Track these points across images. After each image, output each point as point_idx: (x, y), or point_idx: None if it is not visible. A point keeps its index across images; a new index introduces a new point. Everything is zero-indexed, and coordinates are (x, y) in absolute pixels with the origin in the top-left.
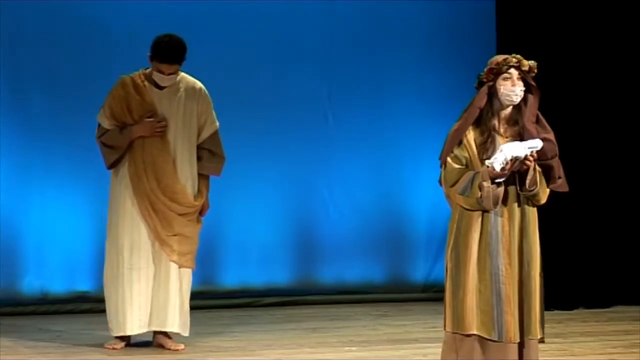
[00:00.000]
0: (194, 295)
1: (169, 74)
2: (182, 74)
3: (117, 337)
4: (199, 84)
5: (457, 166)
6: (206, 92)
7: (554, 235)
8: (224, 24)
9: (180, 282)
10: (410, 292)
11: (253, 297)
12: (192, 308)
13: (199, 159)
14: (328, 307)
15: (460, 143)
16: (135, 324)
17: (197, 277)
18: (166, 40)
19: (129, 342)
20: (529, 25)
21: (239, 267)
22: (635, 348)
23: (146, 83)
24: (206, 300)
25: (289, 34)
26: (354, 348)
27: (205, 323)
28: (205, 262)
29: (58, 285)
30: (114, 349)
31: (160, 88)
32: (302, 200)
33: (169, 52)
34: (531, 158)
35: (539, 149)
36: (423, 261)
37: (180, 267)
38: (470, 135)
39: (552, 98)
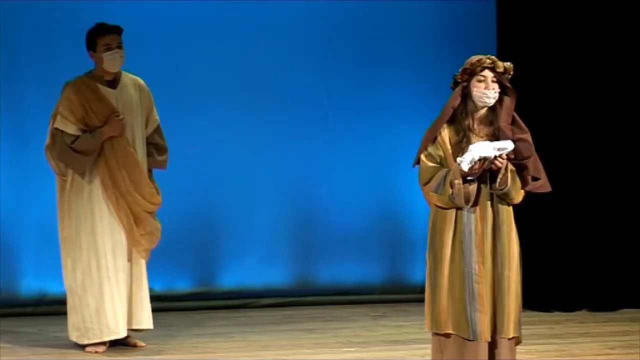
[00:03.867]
0: (192, 296)
1: (117, 47)
2: (123, 72)
3: (97, 344)
4: (141, 80)
5: (430, 164)
6: (148, 87)
7: (558, 236)
8: (223, 24)
9: (146, 279)
10: (408, 293)
11: (250, 298)
12: (189, 309)
13: (148, 154)
14: (326, 308)
15: (434, 141)
16: (125, 325)
17: (195, 278)
18: (97, 23)
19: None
20: (529, 25)
21: (236, 268)
22: (634, 349)
23: (97, 84)
24: (203, 302)
25: (289, 33)
26: (352, 349)
27: (202, 324)
28: (202, 263)
29: (56, 287)
30: (97, 352)
31: (112, 86)
32: (300, 200)
33: (107, 25)
34: (501, 159)
35: (509, 150)
36: (421, 262)
37: (146, 263)
38: (445, 134)
39: (551, 97)
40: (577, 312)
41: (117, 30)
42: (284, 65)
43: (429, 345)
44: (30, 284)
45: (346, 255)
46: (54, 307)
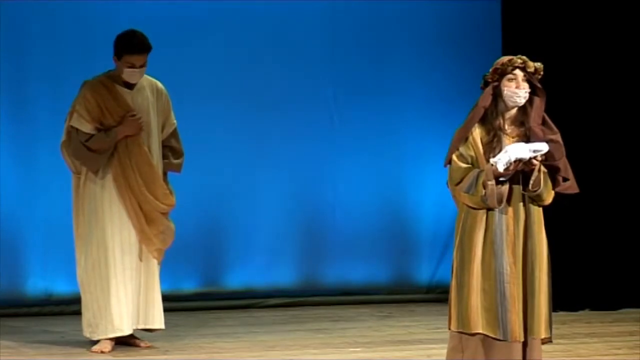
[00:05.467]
0: (198, 297)
1: (140, 67)
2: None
3: (105, 339)
4: (160, 83)
5: (462, 165)
6: (166, 91)
7: (562, 236)
8: (229, 25)
9: (158, 278)
10: (415, 293)
11: (257, 298)
12: (196, 309)
13: (163, 157)
14: (332, 308)
15: (465, 140)
16: (130, 324)
17: (201, 278)
18: (130, 33)
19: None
20: (535, 25)
21: (242, 269)
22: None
23: (115, 84)
24: (210, 302)
25: (295, 35)
26: (358, 349)
27: (209, 324)
28: (209, 264)
29: (62, 286)
30: (102, 352)
31: (129, 87)
32: (306, 201)
33: (137, 42)
34: (536, 161)
35: (544, 152)
36: (427, 262)
37: (158, 263)
38: (477, 134)
39: (558, 98)
40: (582, 312)
41: (146, 50)
42: (290, 68)
43: (435, 345)
44: (36, 284)
45: (352, 256)
46: (60, 307)
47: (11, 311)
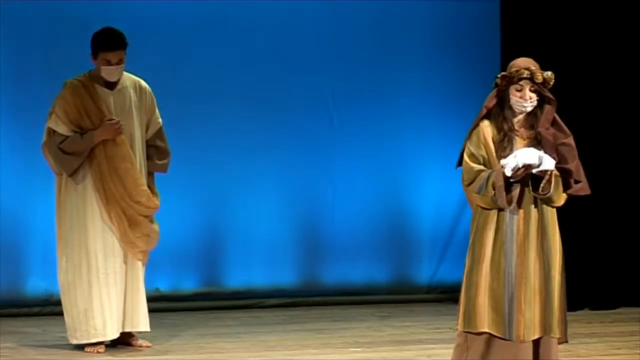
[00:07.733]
0: (199, 297)
1: (117, 64)
2: (125, 72)
3: (95, 343)
4: (143, 82)
5: (474, 165)
6: (150, 89)
7: (560, 236)
8: (227, 25)
9: (143, 281)
10: (415, 293)
11: (257, 298)
12: (196, 309)
13: (148, 157)
14: (332, 308)
15: (476, 140)
16: (114, 328)
17: (201, 278)
18: (105, 30)
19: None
20: (533, 25)
21: (243, 269)
22: None
23: (95, 85)
24: (210, 302)
25: (293, 34)
26: (358, 349)
27: (209, 324)
28: (209, 264)
29: None
30: (98, 352)
31: (110, 88)
32: (306, 201)
33: (112, 38)
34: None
35: (548, 169)
36: (427, 262)
37: (143, 265)
38: (488, 133)
39: (558, 99)
40: (582, 312)
41: (121, 47)
42: (289, 69)
43: (435, 345)
44: (36, 284)
45: (352, 256)
46: (60, 308)
47: (11, 311)
